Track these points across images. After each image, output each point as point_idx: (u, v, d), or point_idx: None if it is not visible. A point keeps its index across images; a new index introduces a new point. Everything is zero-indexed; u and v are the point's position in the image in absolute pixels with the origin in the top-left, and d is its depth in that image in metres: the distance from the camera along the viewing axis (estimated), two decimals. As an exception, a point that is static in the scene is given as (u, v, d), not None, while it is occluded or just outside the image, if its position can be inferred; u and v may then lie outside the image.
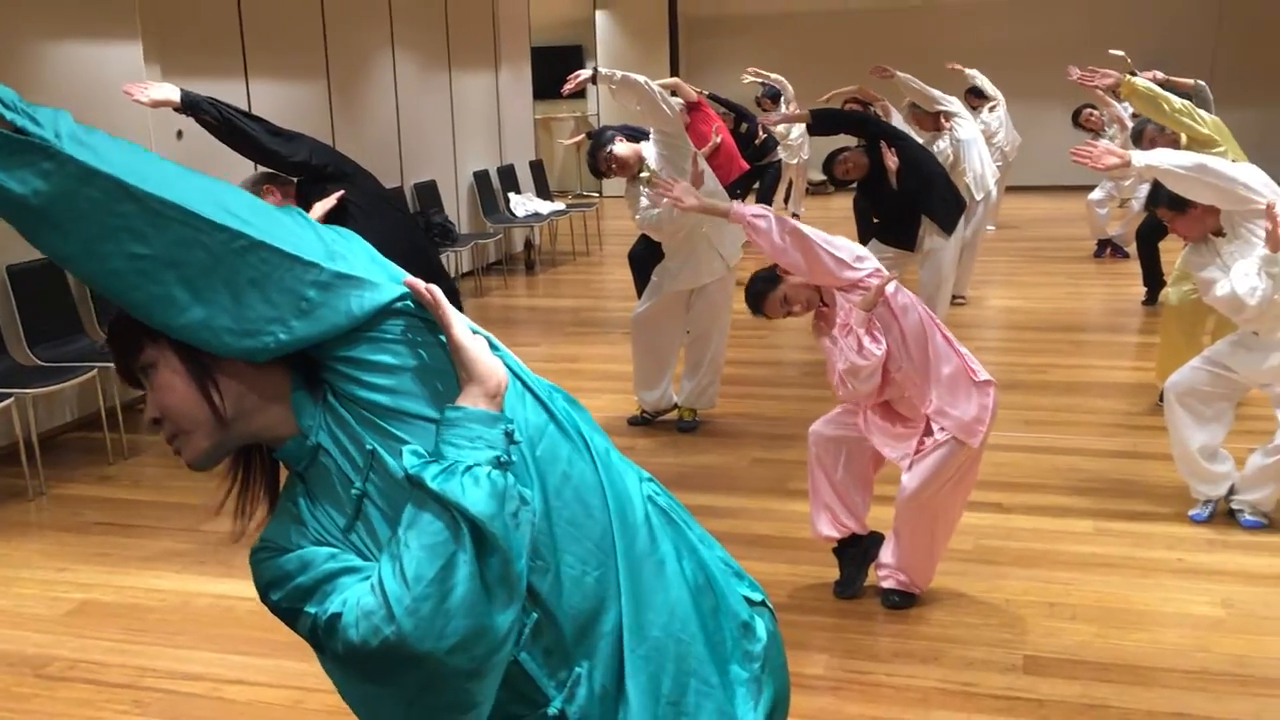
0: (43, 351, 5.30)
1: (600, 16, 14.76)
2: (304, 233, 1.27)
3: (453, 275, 7.99)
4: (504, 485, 1.22)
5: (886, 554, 3.56)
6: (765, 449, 5.07)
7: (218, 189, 1.23)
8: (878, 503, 3.64)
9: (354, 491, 1.29)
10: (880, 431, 3.42)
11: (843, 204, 10.37)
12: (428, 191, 8.99)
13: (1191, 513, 4.12)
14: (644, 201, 5.10)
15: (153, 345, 1.28)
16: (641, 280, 5.87)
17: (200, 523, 4.46)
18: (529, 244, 10.48)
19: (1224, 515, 4.10)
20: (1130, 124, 7.26)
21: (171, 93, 3.91)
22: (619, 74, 4.95)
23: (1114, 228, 9.53)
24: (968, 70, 9.59)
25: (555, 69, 15.10)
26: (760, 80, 10.40)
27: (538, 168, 11.26)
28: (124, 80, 6.04)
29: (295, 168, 4.02)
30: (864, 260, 3.31)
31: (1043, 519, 4.21)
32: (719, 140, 7.08)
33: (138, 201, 1.16)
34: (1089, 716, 2.96)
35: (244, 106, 6.80)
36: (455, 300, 3.26)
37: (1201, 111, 5.05)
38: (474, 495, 1.19)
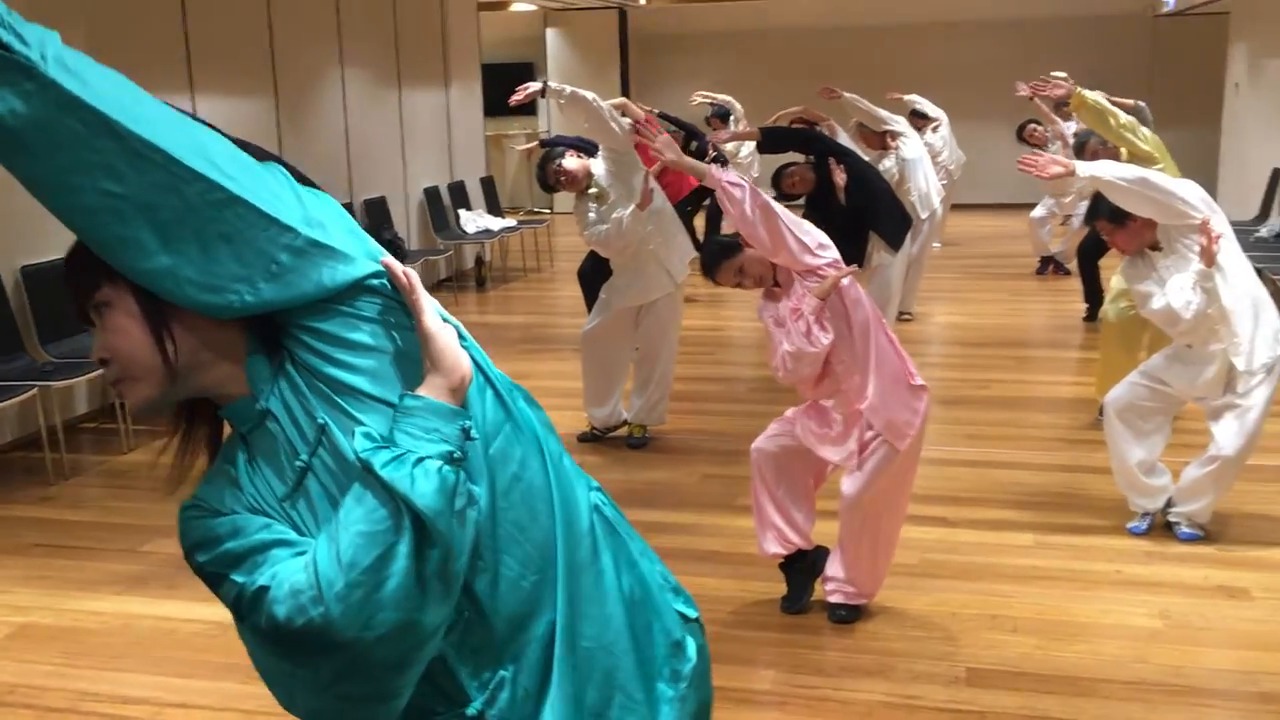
0: (-19, 370, 5.22)
1: (551, 34, 14.80)
2: (284, 194, 1.23)
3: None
4: (454, 482, 1.20)
5: (833, 567, 3.59)
6: (715, 465, 5.10)
7: (204, 137, 1.19)
8: (821, 518, 3.68)
9: (298, 463, 1.27)
10: (817, 437, 3.45)
11: (791, 221, 10.41)
12: (377, 208, 8.96)
13: (1130, 525, 4.20)
14: (592, 217, 5.12)
15: (110, 284, 1.23)
16: (591, 297, 5.89)
17: (141, 543, 4.40)
18: (480, 261, 10.46)
19: (1161, 528, 4.18)
20: (1072, 140, 7.41)
21: None
22: (569, 89, 4.97)
23: (1056, 245, 9.71)
24: (906, 96, 9.76)
25: (506, 86, 15.11)
26: (709, 101, 10.50)
27: (488, 184, 11.26)
28: None
29: None
30: (826, 249, 3.35)
31: (986, 533, 4.28)
32: (667, 158, 7.11)
33: (119, 139, 1.12)
34: (1030, 727, 3.01)
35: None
36: None
37: (1143, 129, 5.18)
38: (422, 488, 1.17)
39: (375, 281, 1.25)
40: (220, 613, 3.92)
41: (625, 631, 1.42)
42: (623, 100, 6.23)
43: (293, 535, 1.26)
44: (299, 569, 1.19)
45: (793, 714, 3.12)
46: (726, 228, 12.08)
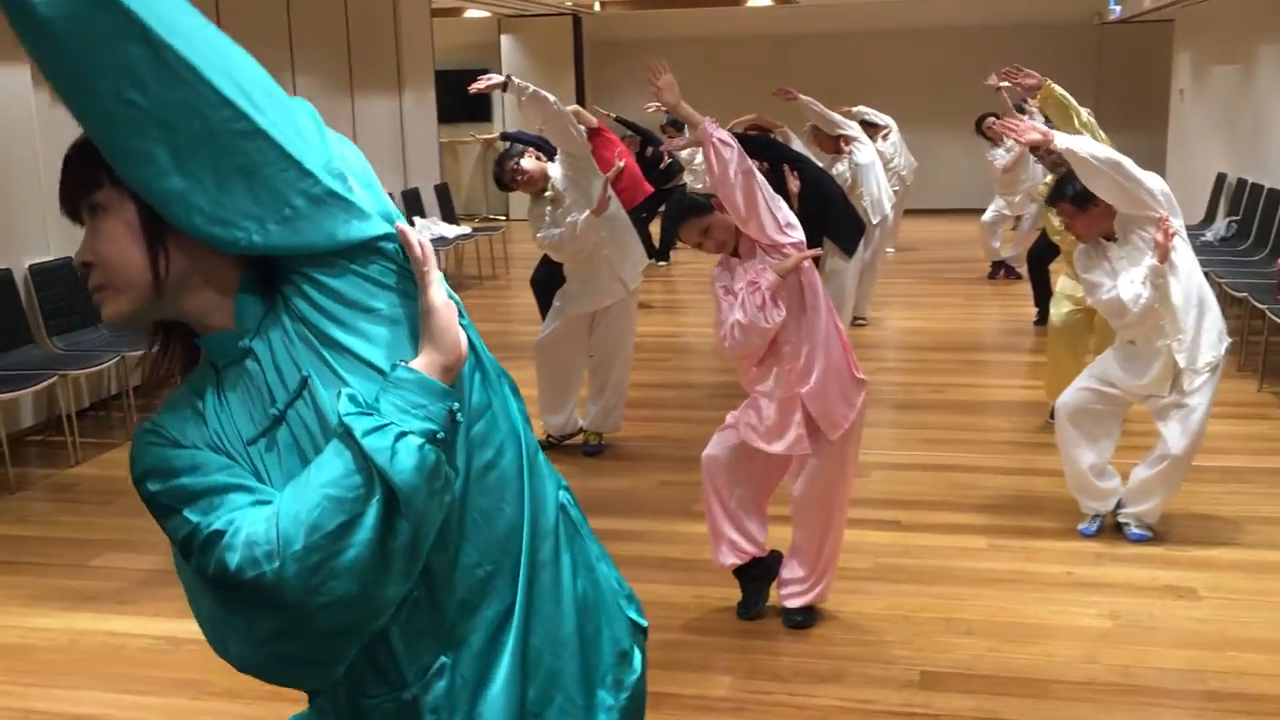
0: (-77, 383, 5.11)
1: (506, 40, 14.77)
2: (311, 137, 1.19)
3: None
4: (433, 461, 1.18)
5: (789, 570, 3.62)
6: (672, 472, 5.10)
7: (241, 63, 1.15)
8: (773, 523, 3.69)
9: (273, 410, 1.23)
10: (759, 434, 3.43)
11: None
12: (330, 215, 8.87)
13: (1080, 527, 4.25)
14: (546, 220, 5.11)
15: (113, 188, 1.19)
16: (545, 304, 5.87)
17: (90, 558, 4.32)
18: (435, 268, 10.39)
19: (1112, 529, 4.24)
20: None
21: None
22: (531, 87, 4.95)
23: (1007, 249, 9.82)
24: (855, 109, 9.85)
25: (460, 92, 15.10)
26: (662, 110, 10.49)
27: (443, 191, 11.21)
28: (11, 106, 5.88)
29: None
30: (794, 229, 3.36)
31: (939, 536, 4.31)
32: (621, 165, 7.11)
33: (151, 47, 1.07)
34: (983, 729, 3.03)
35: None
36: None
37: (1100, 131, 5.24)
38: (402, 464, 1.15)
39: (386, 244, 1.23)
40: (170, 628, 3.87)
41: (575, 634, 1.40)
42: (575, 107, 6.23)
43: (253, 481, 1.23)
44: (259, 520, 1.16)
45: (749, 720, 3.13)
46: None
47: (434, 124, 11.32)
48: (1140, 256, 3.88)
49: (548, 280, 6.01)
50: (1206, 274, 7.16)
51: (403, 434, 1.16)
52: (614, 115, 10.13)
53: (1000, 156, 9.20)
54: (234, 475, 1.22)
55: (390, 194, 9.98)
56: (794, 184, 5.70)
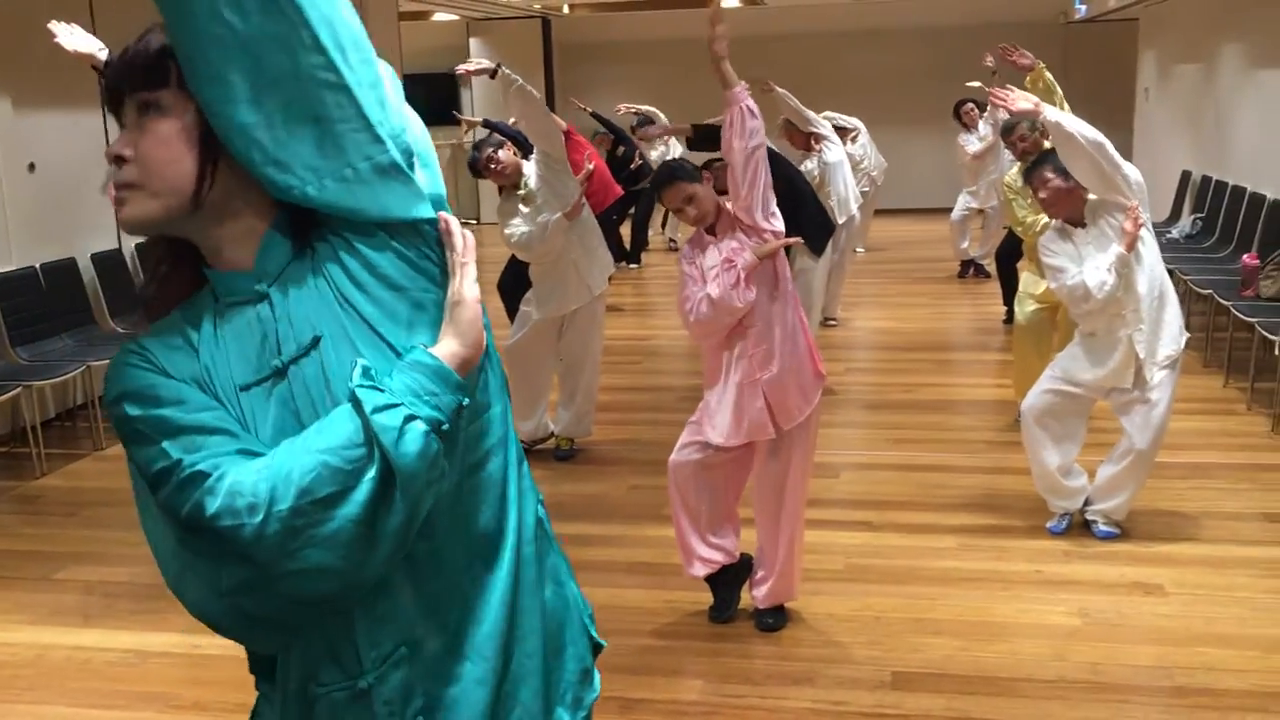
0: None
1: (474, 43, 14.72)
2: (390, 105, 1.19)
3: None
4: (435, 450, 1.16)
5: (761, 572, 3.62)
6: (643, 475, 5.09)
7: (343, 15, 1.15)
8: (744, 525, 3.69)
9: (275, 362, 1.20)
10: (722, 427, 3.44)
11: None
12: (298, 221, 8.81)
13: (1049, 525, 4.27)
14: (516, 220, 5.07)
15: (179, 92, 1.16)
16: (512, 309, 5.86)
17: (55, 571, 4.27)
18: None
19: (1080, 526, 4.27)
20: (1000, 122, 7.60)
21: (94, 48, 3.43)
22: (520, 80, 4.93)
23: (975, 249, 9.88)
24: (821, 115, 9.90)
25: (429, 96, 14.92)
26: (633, 111, 10.54)
27: (412, 195, 11.15)
28: (-31, 110, 5.82)
29: None
30: (776, 218, 3.38)
31: (910, 536, 4.33)
32: (591, 167, 7.11)
33: None
34: (954, 729, 3.05)
35: (100, 139, 6.59)
36: None
37: None
38: (407, 447, 1.13)
39: (429, 228, 1.22)
40: (137, 641, 3.83)
41: (541, 648, 1.39)
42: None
43: (237, 428, 1.19)
44: (248, 471, 1.13)
45: (721, 724, 3.12)
46: (653, 235, 12.13)
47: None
48: (1107, 243, 3.90)
49: (515, 284, 5.99)
50: (1172, 271, 7.25)
51: (411, 417, 1.14)
52: (590, 110, 10.14)
53: (973, 143, 9.25)
54: (219, 418, 1.19)
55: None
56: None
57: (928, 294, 9.38)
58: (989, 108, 9.10)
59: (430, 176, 1.24)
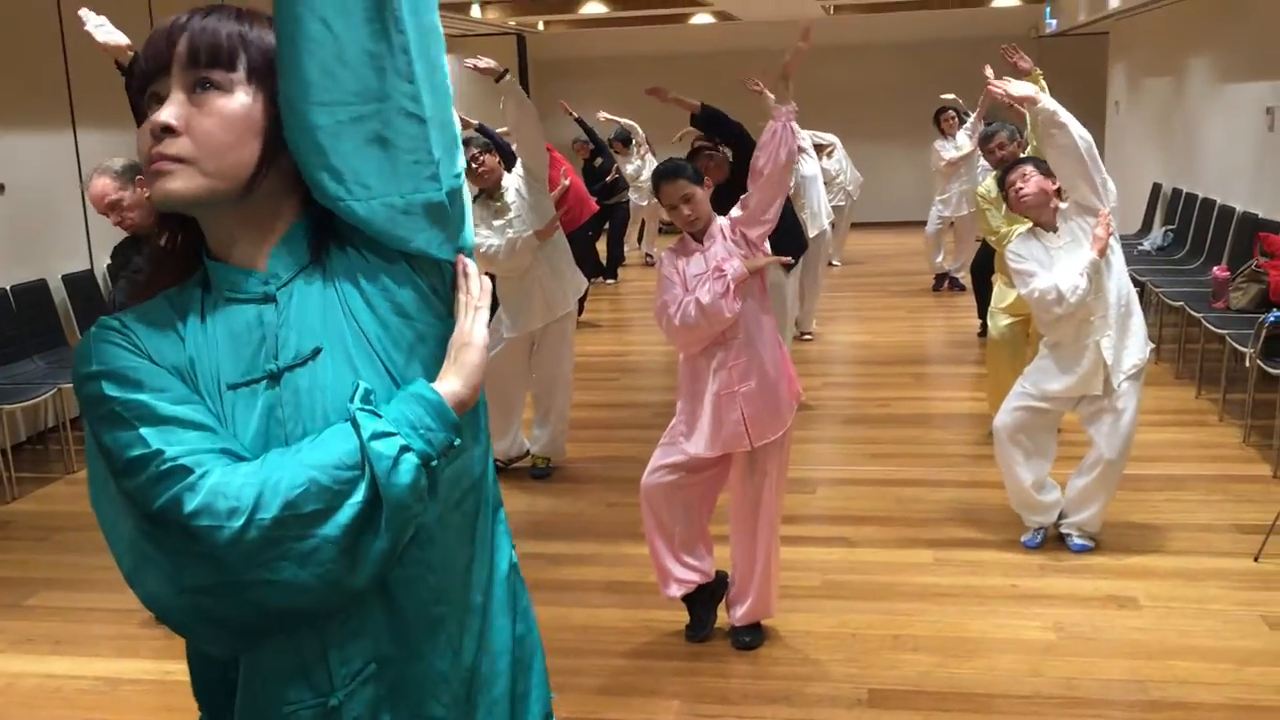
0: None
1: (450, 60, 14.71)
2: (453, 148, 1.21)
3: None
4: (424, 485, 1.15)
5: (738, 590, 3.62)
6: (619, 493, 5.08)
7: (438, 52, 1.18)
8: (717, 543, 3.69)
9: (269, 367, 1.18)
10: (696, 438, 3.43)
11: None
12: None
13: (1023, 539, 4.29)
14: (485, 230, 5.04)
15: (249, 78, 1.16)
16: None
17: (25, 598, 4.22)
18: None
19: (1054, 540, 4.29)
20: (979, 131, 7.70)
21: (123, 42, 3.41)
22: (523, 93, 4.94)
23: (949, 262, 9.94)
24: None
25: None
26: (614, 121, 10.57)
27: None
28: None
29: None
30: (767, 236, 3.44)
31: (886, 551, 4.33)
32: (567, 184, 7.14)
33: None
34: (930, 747, 3.05)
35: (73, 157, 6.55)
36: None
37: None
38: (399, 477, 1.13)
39: (447, 266, 1.23)
40: (109, 669, 3.78)
41: (507, 693, 1.38)
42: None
43: (217, 425, 1.16)
44: (236, 474, 1.10)
45: (698, 745, 3.12)
46: (629, 250, 12.13)
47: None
48: (1078, 248, 3.92)
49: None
50: (1143, 283, 7.32)
51: (406, 448, 1.14)
52: (576, 116, 10.17)
53: (949, 150, 9.30)
54: (199, 412, 1.16)
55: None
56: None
57: (903, 307, 9.42)
58: (971, 119, 9.18)
59: (465, 218, 1.25)
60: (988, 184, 5.32)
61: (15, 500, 5.36)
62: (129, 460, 1.11)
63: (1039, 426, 4.13)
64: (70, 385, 5.56)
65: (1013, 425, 4.12)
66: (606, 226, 10.86)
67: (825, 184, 8.71)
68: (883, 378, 7.12)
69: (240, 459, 1.14)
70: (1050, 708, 3.18)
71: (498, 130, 5.79)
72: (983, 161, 8.58)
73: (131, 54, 3.33)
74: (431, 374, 1.22)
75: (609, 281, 11.16)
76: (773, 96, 7.11)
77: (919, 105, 11.64)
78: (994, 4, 13.58)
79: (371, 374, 1.19)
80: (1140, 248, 8.72)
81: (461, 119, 6.82)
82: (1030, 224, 4.12)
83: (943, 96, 10.06)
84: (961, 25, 14.22)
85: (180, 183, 1.14)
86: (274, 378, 1.19)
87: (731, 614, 3.64)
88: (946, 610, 3.80)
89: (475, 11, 12.08)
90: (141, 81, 1.19)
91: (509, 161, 5.20)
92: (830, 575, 4.13)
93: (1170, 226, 8.78)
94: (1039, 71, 5.13)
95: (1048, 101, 3.86)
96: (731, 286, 3.27)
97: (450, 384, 1.20)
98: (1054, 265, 3.95)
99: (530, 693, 1.42)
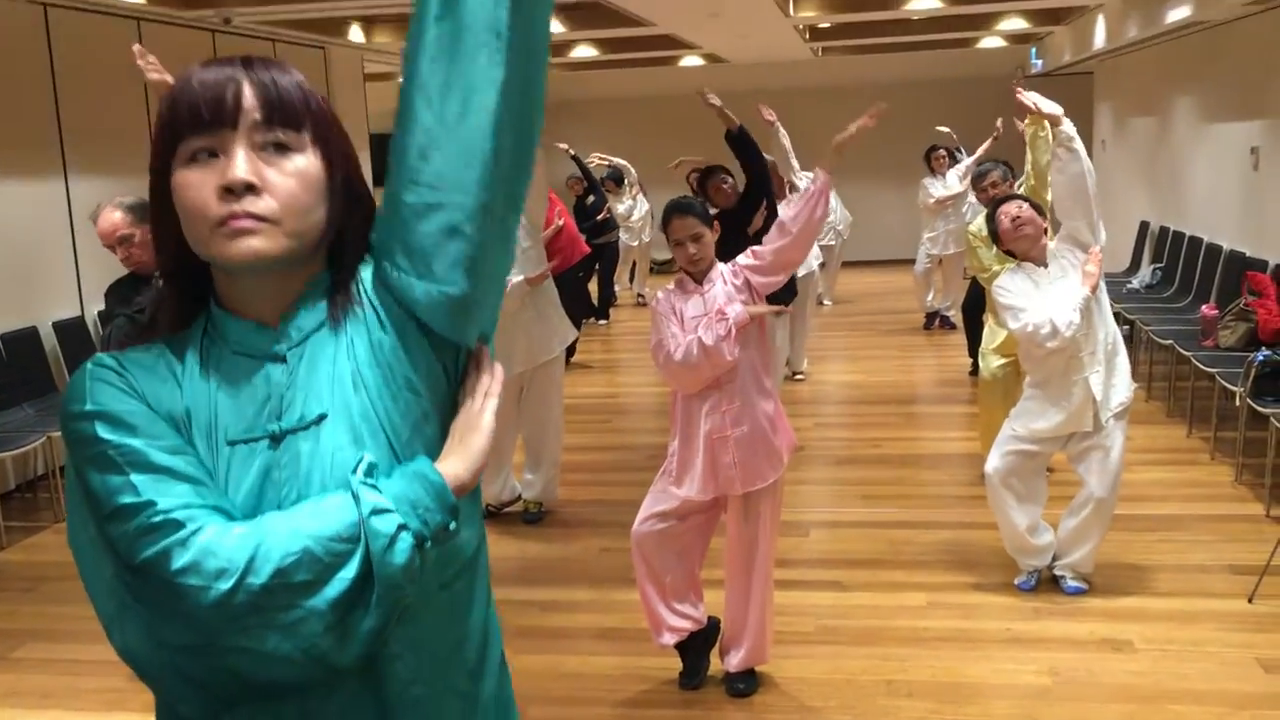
0: None
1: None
2: (513, 248, 1.25)
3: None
4: (417, 566, 1.12)
5: (727, 636, 3.60)
6: (611, 538, 5.06)
7: (531, 160, 1.22)
8: (709, 587, 3.68)
9: (271, 427, 1.16)
10: (688, 483, 3.43)
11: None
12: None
13: (1017, 581, 4.28)
14: None
15: (313, 142, 1.17)
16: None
17: (12, 650, 4.18)
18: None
19: (1048, 582, 4.27)
20: (972, 170, 7.80)
21: (169, 79, 3.34)
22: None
23: (939, 300, 9.98)
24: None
25: (396, 156, 14.90)
26: (605, 162, 10.63)
27: (380, 255, 11.15)
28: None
29: None
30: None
31: (880, 594, 4.32)
32: (560, 224, 7.16)
33: (532, 104, 1.19)
34: (926, 796, 3.02)
35: (64, 204, 6.57)
36: None
37: None
38: (394, 557, 1.10)
39: (466, 348, 1.24)
40: (95, 725, 3.69)
41: None
42: None
43: (208, 479, 1.14)
44: (228, 534, 1.08)
45: (692, 796, 3.08)
46: (620, 290, 12.15)
47: (369, 187, 11.29)
48: (1065, 284, 3.94)
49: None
50: (1132, 321, 7.35)
51: (403, 527, 1.12)
52: (572, 153, 10.24)
53: (938, 188, 9.37)
54: (192, 465, 1.13)
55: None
56: (759, 220, 5.69)
57: (894, 346, 9.45)
58: (966, 162, 9.27)
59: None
60: (979, 222, 5.35)
61: (4, 550, 5.32)
62: (117, 507, 1.09)
63: (1030, 470, 4.13)
64: (59, 434, 5.53)
65: (1004, 470, 4.12)
66: (597, 267, 10.88)
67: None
68: (874, 418, 7.12)
69: (230, 517, 1.13)
70: (1046, 755, 3.16)
71: None
72: (970, 200, 8.68)
73: None
74: (434, 452, 1.21)
75: (601, 322, 11.18)
76: (784, 132, 7.20)
77: (907, 144, 11.74)
78: (980, 45, 13.73)
79: (375, 446, 1.17)
80: (1129, 285, 8.76)
81: None
82: (1017, 261, 4.14)
83: (938, 128, 10.16)
84: (948, 66, 14.36)
85: (268, 243, 1.13)
86: (275, 439, 1.17)
87: (725, 661, 3.62)
88: (941, 655, 3.78)
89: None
90: (188, 131, 1.14)
91: None
92: (824, 620, 4.11)
93: (1158, 264, 8.83)
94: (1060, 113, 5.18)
95: (1069, 124, 3.92)
96: (733, 331, 3.27)
97: (453, 466, 1.18)
98: (1044, 300, 3.96)
99: None
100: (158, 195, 1.18)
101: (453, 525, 1.17)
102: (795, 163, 7.55)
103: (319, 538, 1.09)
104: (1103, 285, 4.03)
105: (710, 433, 3.37)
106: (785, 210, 3.38)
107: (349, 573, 1.10)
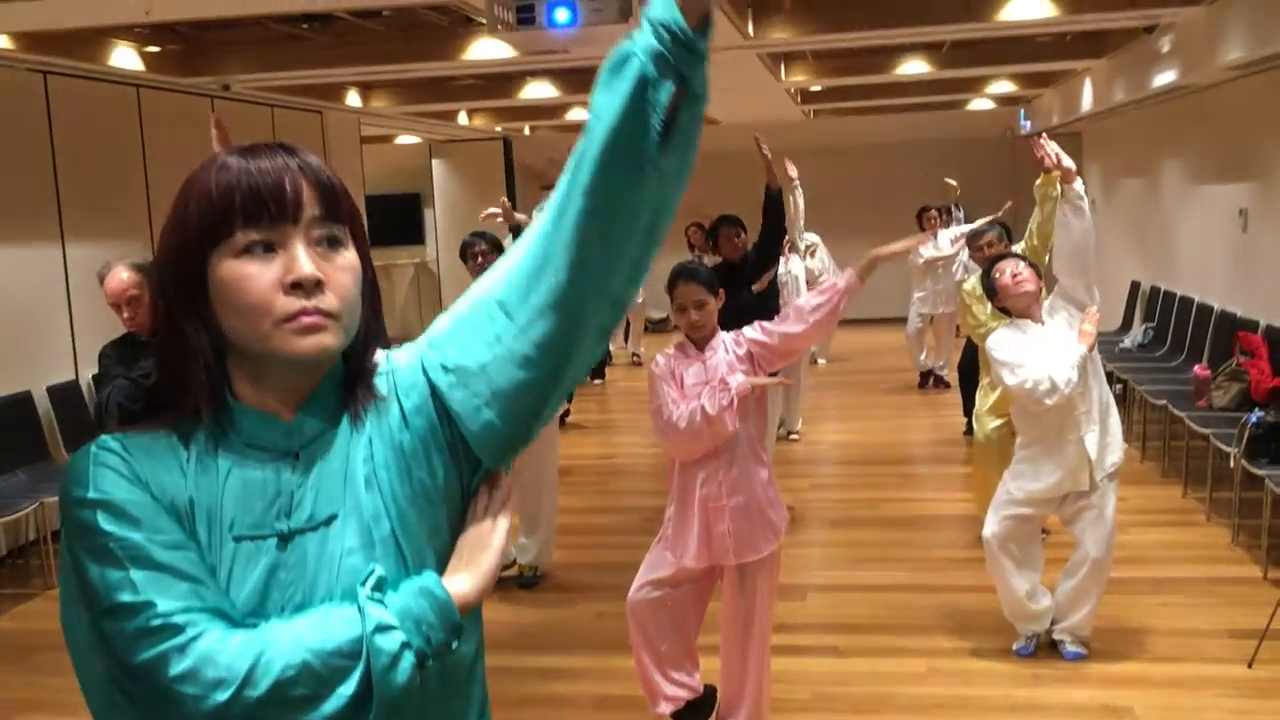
0: None
1: (437, 164, 14.95)
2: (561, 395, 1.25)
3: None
4: (417, 684, 1.10)
5: (723, 705, 3.57)
6: (608, 602, 5.01)
7: (606, 325, 1.21)
8: (705, 653, 3.65)
9: (280, 526, 1.13)
10: (684, 551, 3.42)
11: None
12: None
13: (1016, 646, 4.25)
14: None
15: (361, 235, 1.18)
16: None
17: (10, 717, 4.14)
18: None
19: (1047, 647, 4.24)
20: (966, 230, 7.93)
21: None
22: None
23: (932, 358, 10.01)
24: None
25: (393, 217, 15.05)
26: None
27: (375, 315, 11.17)
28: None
29: None
30: None
31: (878, 660, 4.28)
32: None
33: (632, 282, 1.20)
34: None
35: (60, 269, 6.59)
36: None
37: None
38: (396, 676, 1.08)
39: (485, 469, 1.24)
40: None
41: None
42: (504, 202, 6.13)
43: (208, 577, 1.10)
44: (228, 643, 1.05)
45: None
46: (615, 350, 12.18)
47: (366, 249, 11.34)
48: (1058, 342, 3.95)
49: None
50: (1124, 381, 7.37)
51: (406, 645, 1.09)
52: None
53: (929, 249, 9.45)
54: (192, 563, 1.09)
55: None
56: (765, 280, 5.78)
57: (889, 405, 9.46)
58: (962, 228, 9.37)
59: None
60: (973, 281, 5.39)
61: (-6, 618, 5.28)
62: (116, 604, 1.06)
63: (1026, 534, 4.13)
64: (53, 500, 5.51)
65: (1003, 535, 4.11)
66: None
67: (808, 283, 8.81)
68: (870, 478, 7.11)
69: (230, 619, 1.10)
70: (1049, 827, 3.12)
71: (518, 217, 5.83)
72: (962, 259, 8.75)
73: None
74: (440, 565, 1.19)
75: (596, 382, 11.18)
76: (800, 190, 7.32)
77: (898, 204, 11.84)
78: (970, 106, 13.92)
79: (384, 551, 1.15)
80: (1121, 345, 8.80)
81: (504, 212, 6.87)
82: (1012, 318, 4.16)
83: (947, 180, 10.23)
84: (938, 127, 14.53)
85: (334, 339, 1.13)
86: (284, 538, 1.14)
87: (722, 730, 3.59)
88: (941, 723, 3.75)
89: (463, 118, 12.30)
90: (248, 223, 1.12)
91: None
92: (821, 687, 4.07)
93: (1150, 324, 8.88)
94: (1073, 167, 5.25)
95: (1080, 183, 4.01)
96: (735, 401, 3.27)
97: (461, 583, 1.16)
98: (1039, 356, 3.97)
99: None
100: (187, 279, 1.14)
101: (455, 645, 1.15)
102: (802, 223, 7.65)
103: (320, 652, 1.07)
104: (1095, 350, 4.06)
105: (705, 499, 3.36)
106: (808, 298, 3.39)
107: (348, 689, 1.07)
